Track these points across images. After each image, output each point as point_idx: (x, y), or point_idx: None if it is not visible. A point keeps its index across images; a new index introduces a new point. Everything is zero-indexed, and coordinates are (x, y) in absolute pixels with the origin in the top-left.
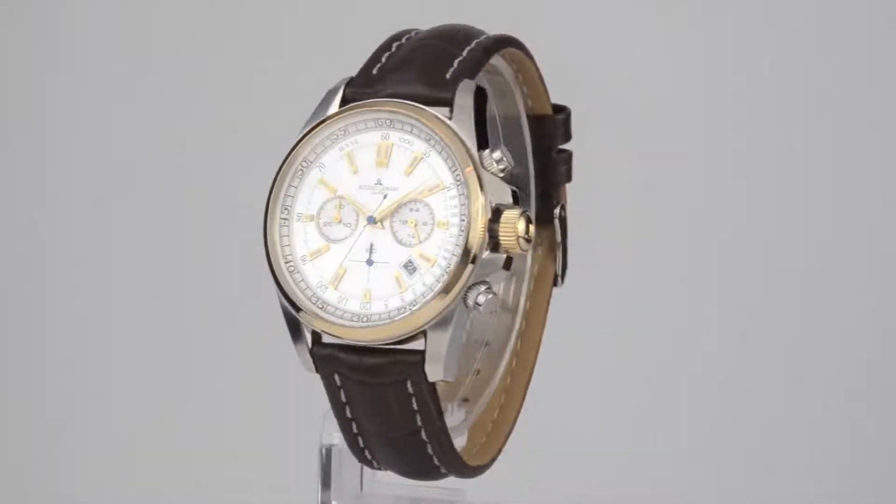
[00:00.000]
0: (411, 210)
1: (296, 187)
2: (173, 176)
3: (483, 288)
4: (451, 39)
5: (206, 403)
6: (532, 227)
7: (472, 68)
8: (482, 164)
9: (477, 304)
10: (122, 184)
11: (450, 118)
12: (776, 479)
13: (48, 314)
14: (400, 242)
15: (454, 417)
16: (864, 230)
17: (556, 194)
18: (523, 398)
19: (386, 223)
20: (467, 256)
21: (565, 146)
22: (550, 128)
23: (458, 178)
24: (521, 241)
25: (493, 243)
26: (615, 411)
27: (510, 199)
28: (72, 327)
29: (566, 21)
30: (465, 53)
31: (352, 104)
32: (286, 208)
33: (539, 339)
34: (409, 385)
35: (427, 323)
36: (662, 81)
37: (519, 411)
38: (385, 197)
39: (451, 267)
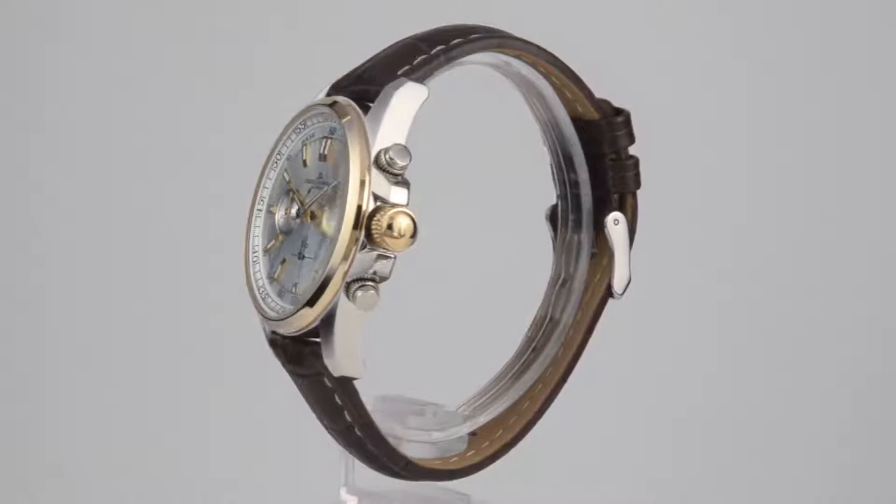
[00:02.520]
0: (331, 206)
1: (271, 179)
2: (189, 170)
3: (367, 283)
4: (431, 39)
5: (221, 403)
6: (405, 226)
7: (427, 68)
8: (375, 161)
9: (354, 296)
10: (129, 171)
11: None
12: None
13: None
14: (322, 237)
15: (441, 420)
16: None
17: (611, 202)
18: (545, 408)
19: (318, 218)
20: (341, 251)
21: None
22: (596, 133)
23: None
24: (390, 239)
25: (369, 239)
26: (631, 422)
27: (396, 197)
28: (74, 327)
29: (578, 22)
30: (431, 52)
31: (317, 100)
32: (262, 199)
33: (581, 349)
34: (325, 379)
35: (318, 317)
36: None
37: (535, 421)
38: (309, 192)
39: (332, 261)
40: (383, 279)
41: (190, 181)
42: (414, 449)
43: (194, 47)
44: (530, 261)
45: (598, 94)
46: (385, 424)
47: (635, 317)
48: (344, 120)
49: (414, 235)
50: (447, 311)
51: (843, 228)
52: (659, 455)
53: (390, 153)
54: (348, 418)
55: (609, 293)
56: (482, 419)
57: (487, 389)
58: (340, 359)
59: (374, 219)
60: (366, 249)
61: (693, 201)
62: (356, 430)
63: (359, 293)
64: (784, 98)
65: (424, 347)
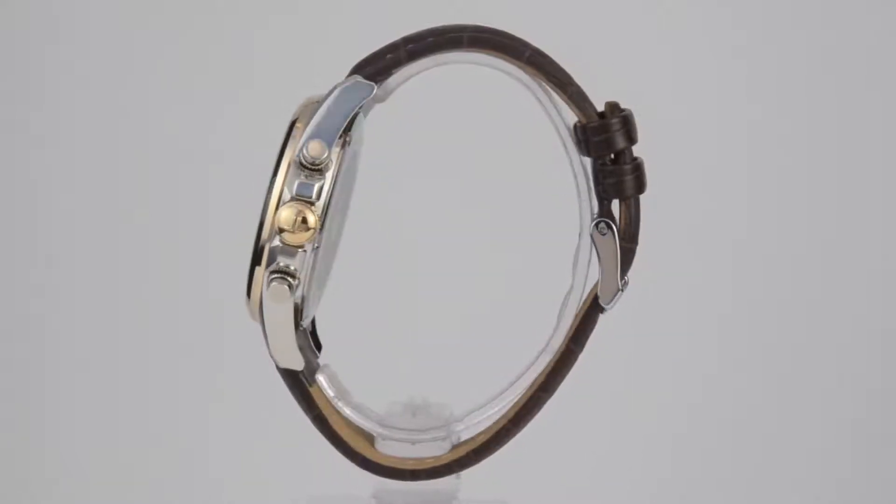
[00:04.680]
0: None
1: None
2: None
3: (285, 276)
4: (412, 37)
5: (222, 402)
6: (298, 220)
7: (387, 66)
8: (299, 156)
9: (269, 287)
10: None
11: None
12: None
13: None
14: None
15: (423, 422)
16: None
17: (603, 208)
18: (520, 416)
19: None
20: (261, 243)
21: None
22: (581, 136)
23: None
24: (288, 233)
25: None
26: (627, 423)
27: (302, 191)
28: (74, 327)
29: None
30: (401, 50)
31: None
32: None
33: (563, 359)
34: (281, 371)
35: (258, 308)
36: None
37: (508, 428)
38: None
39: (253, 254)
40: (297, 272)
41: (189, 180)
42: (392, 447)
43: (193, 47)
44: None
45: (598, 96)
46: (366, 421)
47: (635, 318)
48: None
49: (310, 229)
50: (481, 317)
51: (843, 230)
52: (655, 458)
53: (306, 148)
54: (307, 411)
55: (596, 304)
56: (472, 424)
57: (491, 397)
58: (273, 350)
59: (278, 212)
60: (275, 242)
61: (692, 204)
62: (317, 423)
63: (272, 284)
64: (784, 99)
65: (454, 353)
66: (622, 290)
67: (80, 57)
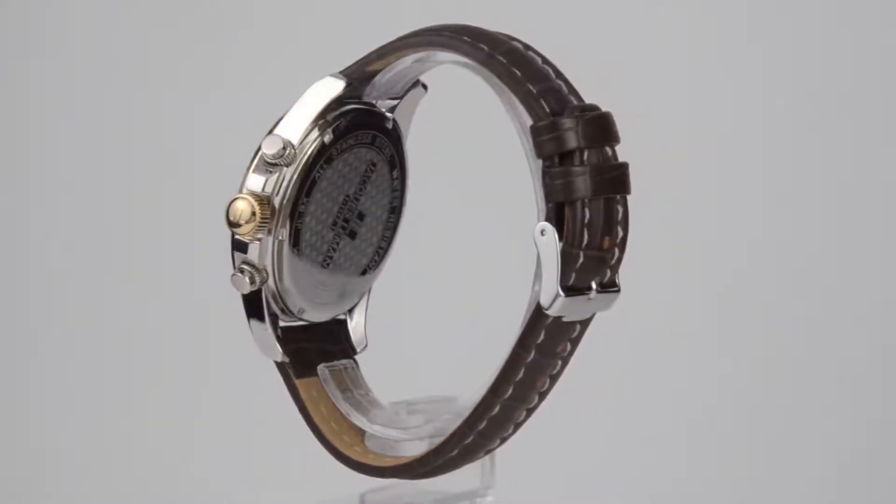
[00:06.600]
0: None
1: None
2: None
3: (252, 269)
4: (400, 38)
5: (222, 402)
6: (238, 212)
7: (360, 65)
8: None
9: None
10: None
11: None
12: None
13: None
14: None
15: (404, 421)
16: None
17: (549, 211)
18: (472, 419)
19: None
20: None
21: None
22: (528, 137)
23: None
24: (234, 226)
25: None
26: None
27: (250, 184)
28: (74, 328)
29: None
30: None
31: None
32: None
33: (511, 364)
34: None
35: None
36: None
37: (461, 432)
38: None
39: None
40: (258, 263)
41: (188, 178)
42: (378, 445)
43: (190, 46)
44: None
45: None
46: (360, 417)
47: (635, 318)
48: None
49: (251, 221)
50: (489, 317)
51: (843, 229)
52: (655, 458)
53: (264, 145)
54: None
55: (539, 308)
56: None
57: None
58: (256, 341)
59: (232, 205)
60: (235, 236)
61: (690, 203)
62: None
63: (234, 275)
64: (784, 97)
65: (457, 353)
66: (562, 295)
67: (73, 58)
